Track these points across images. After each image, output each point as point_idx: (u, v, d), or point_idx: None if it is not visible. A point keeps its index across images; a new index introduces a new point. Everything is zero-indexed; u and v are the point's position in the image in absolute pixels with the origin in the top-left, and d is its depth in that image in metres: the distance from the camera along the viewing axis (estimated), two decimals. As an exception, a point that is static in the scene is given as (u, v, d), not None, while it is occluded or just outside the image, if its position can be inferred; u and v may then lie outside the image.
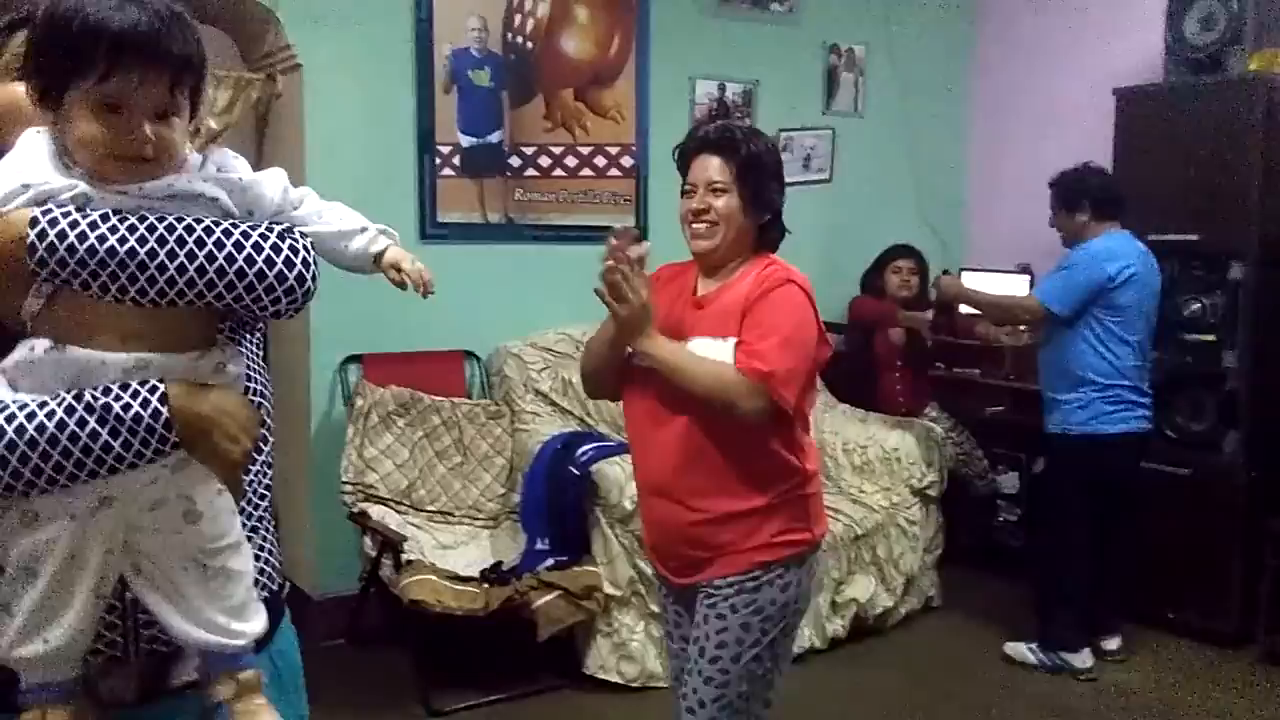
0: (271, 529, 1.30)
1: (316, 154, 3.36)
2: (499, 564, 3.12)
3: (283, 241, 1.12)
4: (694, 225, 1.94)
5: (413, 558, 3.00)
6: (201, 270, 1.06)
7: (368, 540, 3.18)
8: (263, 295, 1.10)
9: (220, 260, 1.07)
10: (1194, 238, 3.62)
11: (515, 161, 3.74)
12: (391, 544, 2.99)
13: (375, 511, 3.16)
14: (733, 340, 1.84)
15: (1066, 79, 4.48)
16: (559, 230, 3.83)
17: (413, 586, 2.86)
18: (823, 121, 4.47)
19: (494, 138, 3.70)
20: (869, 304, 4.18)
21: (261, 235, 1.11)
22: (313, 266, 1.15)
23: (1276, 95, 3.50)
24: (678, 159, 2.01)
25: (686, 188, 1.97)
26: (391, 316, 3.39)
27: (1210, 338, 3.62)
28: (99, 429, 1.03)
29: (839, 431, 3.97)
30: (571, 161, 3.88)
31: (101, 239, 1.03)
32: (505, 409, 3.59)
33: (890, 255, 4.20)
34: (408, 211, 3.52)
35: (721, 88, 4.21)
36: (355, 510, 3.18)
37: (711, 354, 1.84)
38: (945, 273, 3.94)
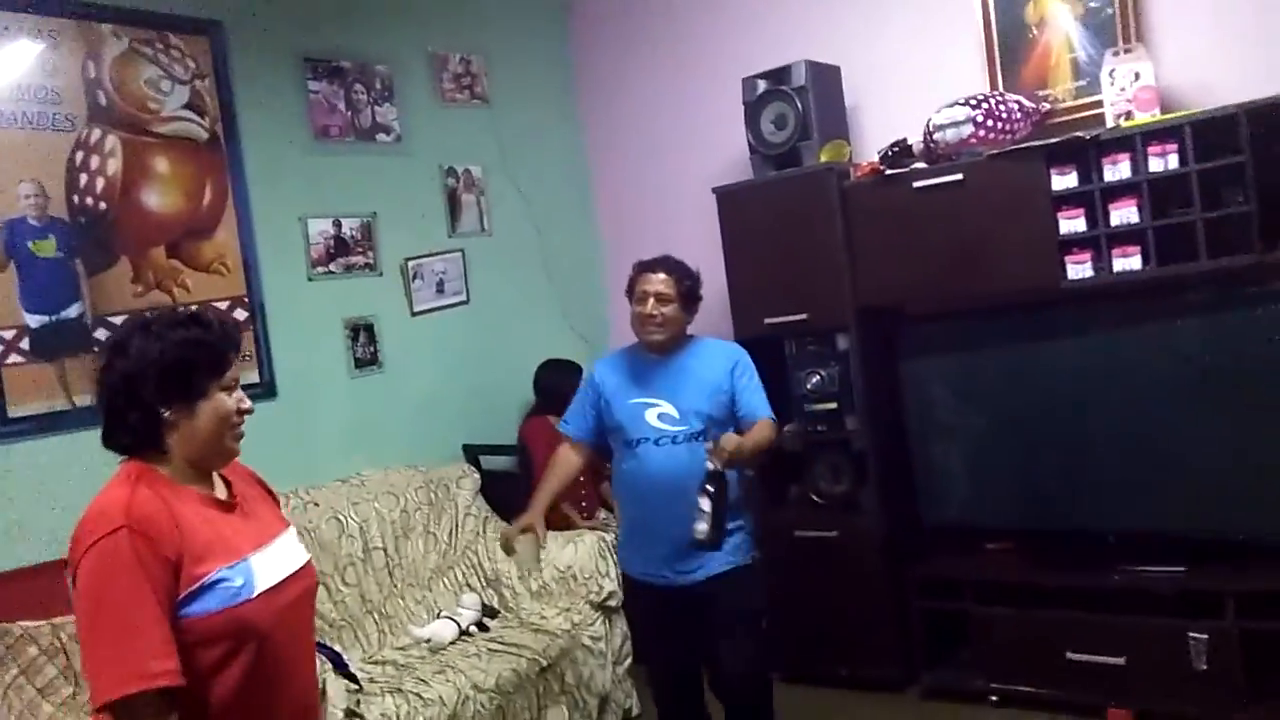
0: None
1: None
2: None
3: None
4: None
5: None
6: None
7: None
8: None
9: None
10: (804, 317, 3.92)
11: (102, 335, 3.33)
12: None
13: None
14: None
15: (675, 180, 4.72)
16: (168, 401, 3.45)
17: None
18: (450, 245, 4.42)
19: (71, 312, 3.28)
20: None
21: None
22: None
23: (844, 181, 3.89)
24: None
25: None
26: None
27: (832, 405, 3.91)
28: None
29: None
30: (173, 324, 3.52)
31: None
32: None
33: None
34: (-36, 414, 3.02)
35: (337, 224, 4.04)
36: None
37: None
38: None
